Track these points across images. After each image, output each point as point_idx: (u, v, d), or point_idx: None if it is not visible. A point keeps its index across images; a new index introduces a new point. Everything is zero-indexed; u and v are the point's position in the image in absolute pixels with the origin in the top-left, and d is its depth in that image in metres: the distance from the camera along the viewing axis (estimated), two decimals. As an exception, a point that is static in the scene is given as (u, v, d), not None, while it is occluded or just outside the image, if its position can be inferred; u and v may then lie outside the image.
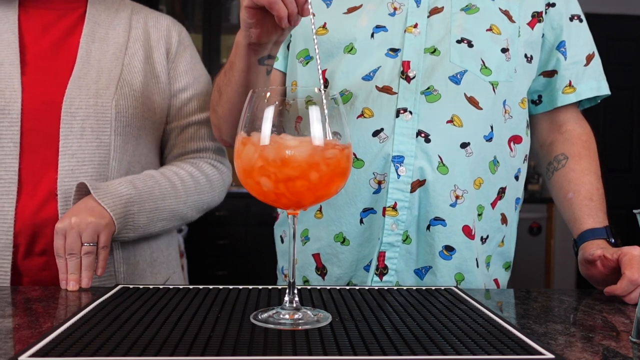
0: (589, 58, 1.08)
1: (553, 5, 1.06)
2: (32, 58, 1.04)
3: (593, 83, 1.07)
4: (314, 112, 0.65)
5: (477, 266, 0.98)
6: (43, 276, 1.02)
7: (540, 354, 0.58)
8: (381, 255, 0.96)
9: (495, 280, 1.06)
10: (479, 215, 0.99)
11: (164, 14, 1.20)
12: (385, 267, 0.96)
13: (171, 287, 0.84)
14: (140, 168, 1.10)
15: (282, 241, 1.11)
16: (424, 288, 0.86)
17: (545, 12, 1.05)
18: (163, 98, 1.13)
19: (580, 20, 1.08)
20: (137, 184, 1.02)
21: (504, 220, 1.04)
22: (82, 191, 0.98)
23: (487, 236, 1.01)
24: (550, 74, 1.08)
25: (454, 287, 0.88)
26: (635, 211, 0.65)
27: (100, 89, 1.04)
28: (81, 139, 1.02)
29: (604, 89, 1.08)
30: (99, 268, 0.92)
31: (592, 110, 1.15)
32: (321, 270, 1.01)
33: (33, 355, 0.55)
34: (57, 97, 1.02)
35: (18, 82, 1.01)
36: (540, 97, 1.10)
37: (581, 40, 1.08)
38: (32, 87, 1.02)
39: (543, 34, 1.06)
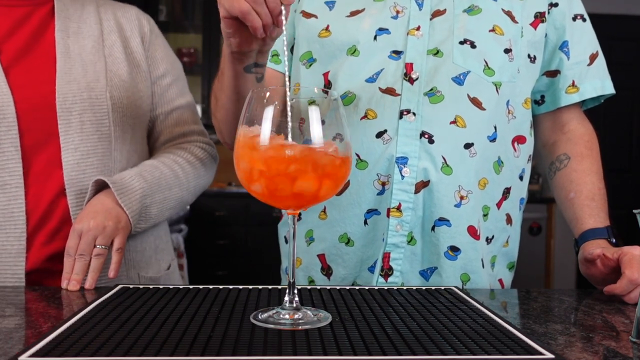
0: (593, 57, 1.07)
1: (556, 5, 1.06)
2: (9, 59, 1.02)
3: (597, 82, 1.07)
4: (313, 113, 0.65)
5: (483, 266, 0.98)
6: (60, 269, 1.00)
7: (540, 354, 0.58)
8: (386, 257, 0.96)
9: (500, 281, 1.06)
10: (485, 215, 0.99)
11: (129, 5, 1.19)
12: (390, 268, 0.96)
13: (171, 287, 0.84)
14: (137, 157, 1.11)
15: (286, 241, 1.11)
16: (424, 288, 0.86)
17: (548, 12, 1.05)
18: (147, 86, 1.14)
19: (584, 20, 1.08)
20: (145, 176, 1.03)
21: (509, 220, 1.04)
22: (98, 187, 0.99)
23: (493, 236, 1.02)
24: (553, 74, 1.08)
25: (454, 287, 0.88)
26: (635, 211, 0.65)
27: (91, 82, 1.04)
28: (82, 133, 1.02)
29: (609, 88, 1.08)
30: (112, 270, 0.92)
31: (592, 110, 1.15)
32: (326, 271, 1.02)
33: (33, 355, 0.55)
34: (48, 95, 1.01)
35: (5, 84, 0.99)
36: (543, 97, 1.10)
37: (584, 39, 1.07)
38: (20, 88, 1.00)
39: (546, 34, 1.05)
